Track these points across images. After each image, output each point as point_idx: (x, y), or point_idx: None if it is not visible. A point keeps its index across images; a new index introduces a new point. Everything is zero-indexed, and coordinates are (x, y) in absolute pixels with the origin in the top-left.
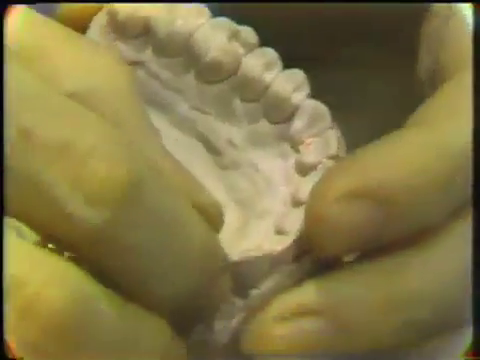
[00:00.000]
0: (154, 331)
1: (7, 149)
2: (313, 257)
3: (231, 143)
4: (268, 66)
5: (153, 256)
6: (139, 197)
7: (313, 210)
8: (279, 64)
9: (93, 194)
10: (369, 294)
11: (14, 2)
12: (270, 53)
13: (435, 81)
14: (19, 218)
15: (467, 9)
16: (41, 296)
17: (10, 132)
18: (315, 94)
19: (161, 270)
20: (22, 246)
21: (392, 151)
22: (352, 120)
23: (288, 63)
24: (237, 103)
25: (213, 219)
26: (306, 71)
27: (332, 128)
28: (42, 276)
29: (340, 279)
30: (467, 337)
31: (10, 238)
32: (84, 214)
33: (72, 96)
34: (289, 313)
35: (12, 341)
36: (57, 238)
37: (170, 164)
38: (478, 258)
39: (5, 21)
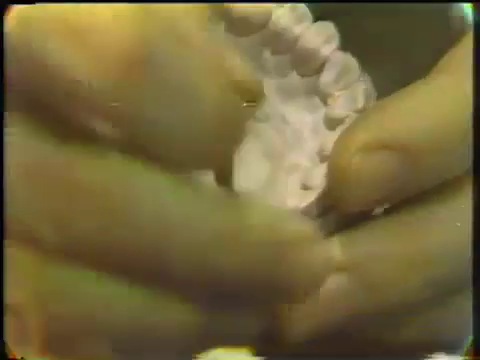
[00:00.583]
0: None
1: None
2: (338, 213)
3: None
4: (298, 19)
5: (164, 121)
6: (148, 58)
7: (335, 162)
8: (309, 17)
9: (100, 57)
10: (394, 249)
11: (14, 2)
12: (300, 6)
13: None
14: (20, 101)
15: (467, 9)
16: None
17: None
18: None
19: (173, 132)
20: None
21: (414, 101)
22: (383, 68)
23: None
24: (267, 55)
25: (250, 91)
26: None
27: (360, 81)
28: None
29: (364, 235)
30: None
31: None
32: (91, 78)
33: None
34: None
35: None
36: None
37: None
38: (477, 258)
39: (5, 21)
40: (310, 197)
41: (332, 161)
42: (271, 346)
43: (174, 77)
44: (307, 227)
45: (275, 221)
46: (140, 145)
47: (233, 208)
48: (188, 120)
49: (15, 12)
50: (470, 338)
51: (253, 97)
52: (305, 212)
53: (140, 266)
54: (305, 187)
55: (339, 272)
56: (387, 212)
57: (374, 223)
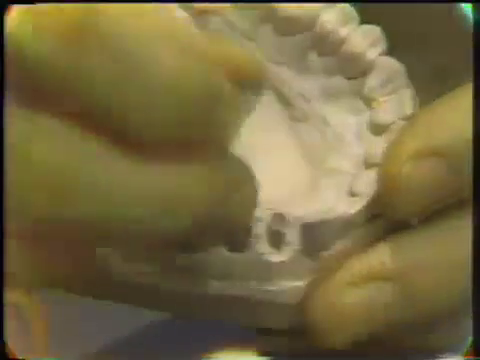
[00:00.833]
0: None
1: None
2: (385, 220)
3: (304, 96)
4: (345, 21)
5: (113, 86)
6: (92, 27)
7: (386, 170)
8: (356, 19)
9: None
10: (437, 258)
11: (14, 2)
12: (347, 8)
13: None
14: None
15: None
16: None
17: None
18: None
19: (126, 100)
20: None
21: (461, 108)
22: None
23: None
24: (313, 56)
25: (248, 73)
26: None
27: (407, 87)
28: None
29: (408, 244)
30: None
31: None
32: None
33: None
34: (359, 279)
35: None
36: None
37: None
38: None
39: (5, 21)
40: (359, 204)
41: (383, 168)
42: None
43: (124, 45)
44: None
45: None
46: (98, 122)
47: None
48: (142, 93)
49: None
50: (470, 338)
51: (250, 83)
52: (353, 219)
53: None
54: (351, 193)
55: (383, 281)
56: (426, 221)
57: (415, 232)
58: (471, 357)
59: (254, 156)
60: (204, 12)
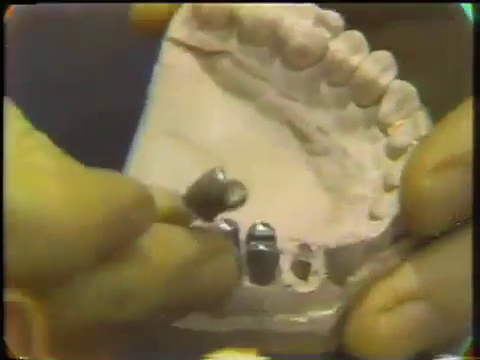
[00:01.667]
0: None
1: None
2: (409, 241)
3: (320, 129)
4: (355, 49)
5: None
6: None
7: (409, 186)
8: (366, 46)
9: None
10: (463, 270)
11: (14, 2)
12: (356, 36)
13: None
14: None
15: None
16: None
17: None
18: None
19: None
20: None
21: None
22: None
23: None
24: (325, 88)
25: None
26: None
27: (421, 109)
28: None
29: (434, 259)
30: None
31: None
32: None
33: None
34: (390, 303)
35: None
36: None
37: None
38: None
39: (5, 21)
40: (381, 226)
41: (405, 185)
42: None
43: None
44: None
45: None
46: None
47: None
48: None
49: None
50: (470, 338)
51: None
52: (377, 242)
53: None
54: (373, 217)
55: (414, 302)
56: (448, 234)
57: (439, 247)
58: (471, 357)
59: (274, 192)
60: (212, 53)
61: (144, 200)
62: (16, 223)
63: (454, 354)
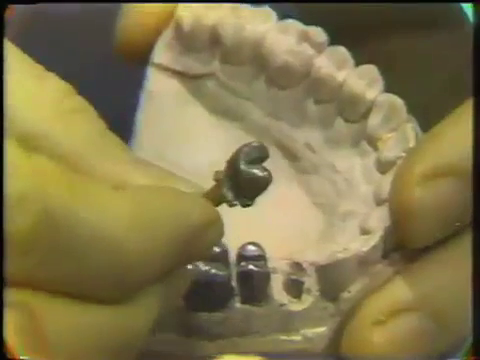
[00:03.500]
0: None
1: None
2: (400, 254)
3: (308, 147)
4: (340, 64)
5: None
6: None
7: (398, 199)
8: (351, 61)
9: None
10: (456, 281)
11: (14, 2)
12: (341, 51)
13: None
14: None
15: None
16: None
17: None
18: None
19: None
20: None
21: (461, 128)
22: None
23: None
24: (311, 105)
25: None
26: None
27: (409, 121)
28: None
29: (425, 270)
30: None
31: None
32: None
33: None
34: (385, 315)
35: None
36: None
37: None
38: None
39: (5, 21)
40: (372, 241)
41: (394, 198)
42: None
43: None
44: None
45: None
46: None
47: None
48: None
49: None
50: (470, 338)
51: None
52: (368, 256)
53: None
54: (364, 231)
55: (408, 313)
56: (438, 244)
57: (429, 257)
58: (471, 357)
59: (264, 211)
60: (197, 77)
61: (212, 220)
62: (77, 238)
63: (452, 358)
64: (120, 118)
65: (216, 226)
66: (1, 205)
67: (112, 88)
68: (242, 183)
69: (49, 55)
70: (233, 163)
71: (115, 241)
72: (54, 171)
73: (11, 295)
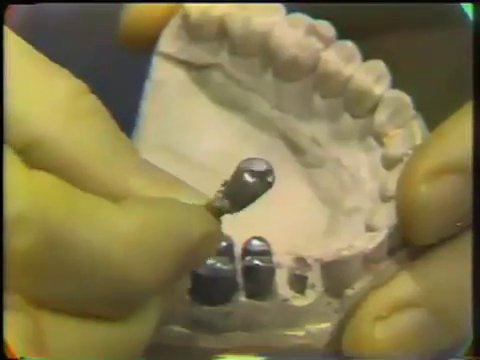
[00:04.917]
0: None
1: None
2: (406, 251)
3: (314, 141)
4: (347, 59)
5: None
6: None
7: (404, 196)
8: (358, 56)
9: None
10: (458, 276)
11: (14, 2)
12: (348, 45)
13: None
14: None
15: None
16: None
17: None
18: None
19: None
20: None
21: (466, 125)
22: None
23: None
24: (317, 99)
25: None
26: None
27: (415, 118)
28: None
29: (429, 267)
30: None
31: None
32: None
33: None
34: (387, 311)
35: None
36: None
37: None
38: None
39: (5, 21)
40: (378, 238)
41: (400, 195)
42: None
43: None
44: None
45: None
46: None
47: None
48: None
49: None
50: (470, 338)
51: None
52: (374, 253)
53: None
54: (369, 228)
55: (411, 309)
56: (443, 241)
57: (434, 254)
58: (471, 357)
59: (268, 205)
60: (203, 67)
61: (213, 234)
62: (77, 257)
63: (453, 356)
64: (123, 115)
65: (215, 238)
66: (1, 206)
67: (114, 86)
68: (234, 189)
69: (49, 55)
70: (234, 173)
71: (116, 260)
72: (54, 188)
73: (15, 299)
